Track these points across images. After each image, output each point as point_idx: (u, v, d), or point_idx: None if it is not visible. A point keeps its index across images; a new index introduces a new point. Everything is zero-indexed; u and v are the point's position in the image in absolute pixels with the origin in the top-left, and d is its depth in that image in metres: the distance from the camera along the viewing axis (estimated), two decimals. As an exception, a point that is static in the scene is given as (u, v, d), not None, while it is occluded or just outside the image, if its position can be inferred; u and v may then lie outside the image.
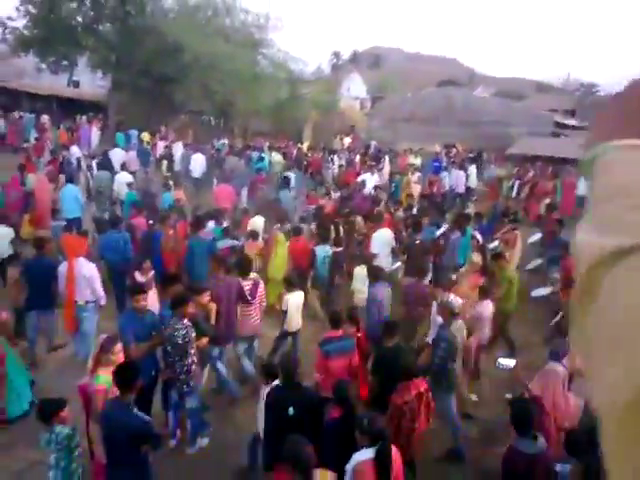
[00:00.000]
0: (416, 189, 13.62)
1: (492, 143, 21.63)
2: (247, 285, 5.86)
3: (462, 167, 15.34)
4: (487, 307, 5.85)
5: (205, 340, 5.07)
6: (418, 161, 17.47)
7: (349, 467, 3.17)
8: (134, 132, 17.72)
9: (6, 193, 9.60)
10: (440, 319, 5.13)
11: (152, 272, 6.58)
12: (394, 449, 3.32)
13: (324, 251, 7.29)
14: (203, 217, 8.10)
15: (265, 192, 11.64)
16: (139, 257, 6.93)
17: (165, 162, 14.82)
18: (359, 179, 13.40)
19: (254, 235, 7.88)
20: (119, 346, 4.10)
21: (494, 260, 7.00)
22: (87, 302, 6.12)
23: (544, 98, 33.86)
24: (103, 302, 6.34)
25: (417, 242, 7.64)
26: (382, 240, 7.71)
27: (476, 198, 15.02)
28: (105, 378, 3.83)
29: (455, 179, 14.52)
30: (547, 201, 12.11)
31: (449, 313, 4.96)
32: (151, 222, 7.87)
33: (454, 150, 20.41)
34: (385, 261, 7.55)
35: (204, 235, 7.48)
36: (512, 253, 8.01)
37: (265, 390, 4.11)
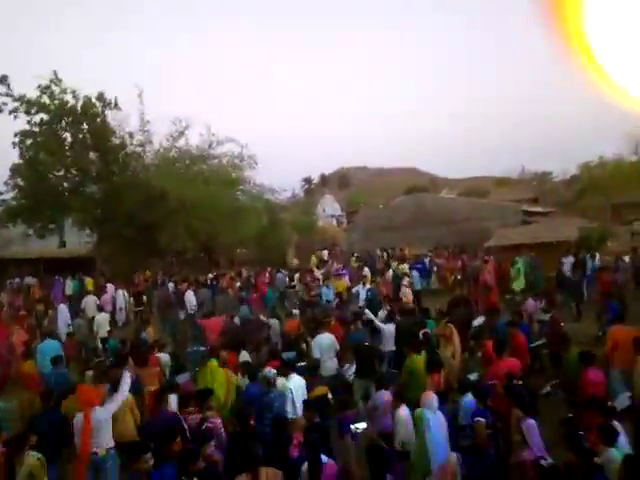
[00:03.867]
0: (408, 293, 13.83)
1: (468, 239, 22.55)
2: (193, 419, 5.63)
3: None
4: (383, 396, 5.97)
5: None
6: (406, 266, 17.91)
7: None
8: (87, 279, 18.96)
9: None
10: None
11: None
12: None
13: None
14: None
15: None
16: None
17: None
18: (354, 290, 13.63)
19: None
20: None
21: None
22: (109, 449, 5.62)
23: (506, 191, 36.28)
24: None
25: (366, 344, 7.98)
26: (321, 344, 7.88)
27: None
28: None
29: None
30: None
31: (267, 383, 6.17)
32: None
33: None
34: (330, 363, 7.85)
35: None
36: (454, 347, 7.93)
37: None
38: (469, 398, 5.36)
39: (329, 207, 38.55)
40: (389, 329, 8.65)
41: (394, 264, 17.84)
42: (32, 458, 4.97)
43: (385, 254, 22.45)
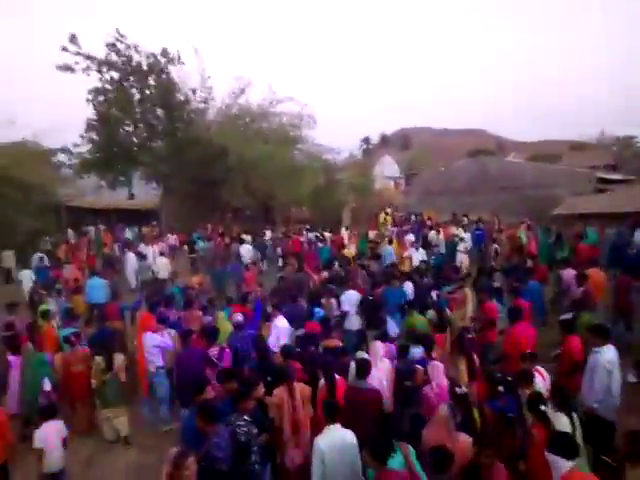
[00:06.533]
0: (465, 259, 13.56)
1: (532, 206, 21.34)
2: (214, 351, 6.56)
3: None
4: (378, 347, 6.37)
5: (265, 436, 4.92)
6: (461, 231, 17.39)
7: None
8: (144, 228, 21.93)
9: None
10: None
11: None
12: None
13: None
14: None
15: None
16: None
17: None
18: (405, 254, 13.54)
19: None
20: (191, 460, 4.03)
21: None
22: (158, 368, 6.94)
23: (581, 156, 33.62)
24: None
25: (370, 298, 8.69)
26: (349, 300, 8.71)
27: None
28: None
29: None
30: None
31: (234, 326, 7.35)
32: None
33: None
34: (354, 319, 8.60)
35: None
36: (464, 311, 8.36)
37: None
38: (419, 349, 6.25)
39: (387, 168, 37.60)
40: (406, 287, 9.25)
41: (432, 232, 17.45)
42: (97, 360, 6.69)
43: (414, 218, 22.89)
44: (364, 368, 5.36)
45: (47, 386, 6.60)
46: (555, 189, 22.46)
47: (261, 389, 5.39)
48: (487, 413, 4.80)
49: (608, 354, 5.31)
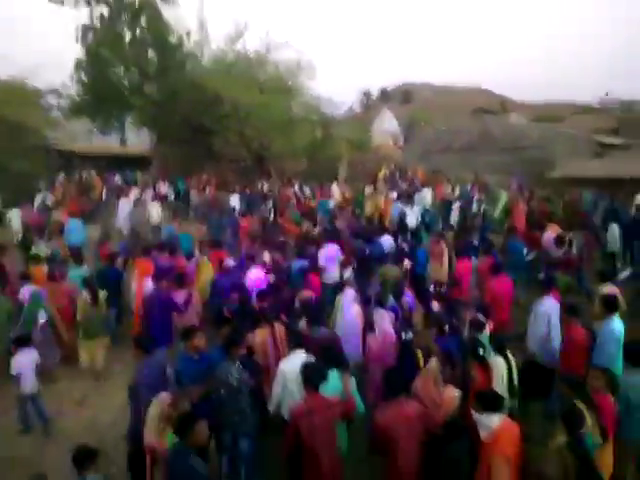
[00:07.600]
0: (456, 217, 13.52)
1: (533, 168, 21.09)
2: (181, 295, 6.92)
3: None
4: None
5: (254, 381, 5.00)
6: (457, 191, 17.24)
7: None
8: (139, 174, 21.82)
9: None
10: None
11: None
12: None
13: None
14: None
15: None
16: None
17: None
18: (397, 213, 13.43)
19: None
20: (186, 404, 4.11)
21: None
22: None
23: (584, 119, 32.93)
24: None
25: (366, 252, 8.95)
26: (326, 255, 8.82)
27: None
28: (174, 437, 3.78)
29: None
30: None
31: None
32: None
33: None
34: (331, 272, 8.71)
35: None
36: (441, 264, 8.59)
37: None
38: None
39: (387, 123, 36.68)
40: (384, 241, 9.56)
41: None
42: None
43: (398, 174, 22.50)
44: (314, 316, 5.64)
45: (42, 318, 6.89)
46: (555, 151, 22.13)
47: (253, 336, 5.46)
48: (434, 350, 5.15)
49: (546, 302, 6.14)
